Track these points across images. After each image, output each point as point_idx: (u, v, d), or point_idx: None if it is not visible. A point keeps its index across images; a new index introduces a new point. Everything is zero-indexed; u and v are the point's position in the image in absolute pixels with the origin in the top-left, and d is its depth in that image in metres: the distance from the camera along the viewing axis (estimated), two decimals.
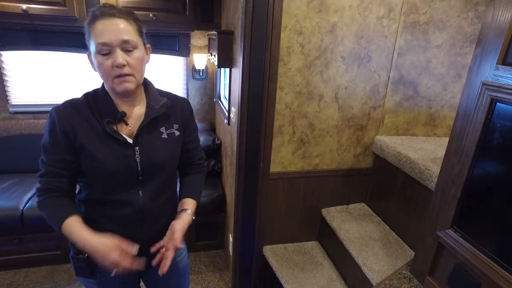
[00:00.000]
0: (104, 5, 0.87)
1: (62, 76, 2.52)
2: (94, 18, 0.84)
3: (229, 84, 1.85)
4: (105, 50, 0.84)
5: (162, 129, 1.00)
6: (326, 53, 1.65)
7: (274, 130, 1.70)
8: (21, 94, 2.49)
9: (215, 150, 2.36)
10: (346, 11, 1.61)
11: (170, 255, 0.95)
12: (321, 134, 1.81)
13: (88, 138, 0.90)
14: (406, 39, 1.74)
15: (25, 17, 2.00)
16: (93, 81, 2.58)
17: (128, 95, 0.93)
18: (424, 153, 1.72)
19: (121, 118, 0.93)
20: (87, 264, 0.98)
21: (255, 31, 1.50)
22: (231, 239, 2.03)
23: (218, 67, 1.88)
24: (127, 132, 0.95)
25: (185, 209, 1.06)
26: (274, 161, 1.78)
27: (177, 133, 1.03)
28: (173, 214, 1.08)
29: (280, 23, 1.52)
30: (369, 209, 2.04)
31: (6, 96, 2.45)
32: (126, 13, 0.87)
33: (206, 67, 2.64)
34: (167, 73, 2.69)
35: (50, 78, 2.51)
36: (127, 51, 0.85)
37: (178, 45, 2.52)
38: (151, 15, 2.15)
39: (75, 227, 0.88)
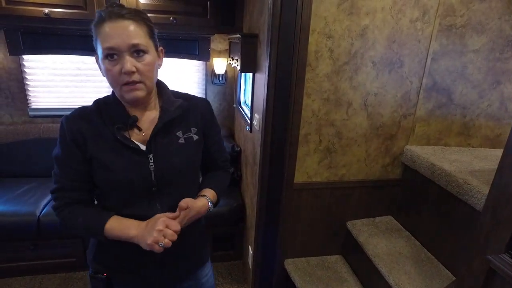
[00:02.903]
0: (112, 5, 0.79)
1: (82, 80, 2.51)
2: (101, 20, 0.77)
3: (252, 90, 1.78)
4: (113, 56, 0.77)
5: (179, 133, 0.92)
6: (356, 58, 1.57)
7: (299, 139, 1.61)
8: (41, 98, 2.49)
9: (234, 158, 2.29)
10: (378, 13, 1.52)
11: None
12: (348, 143, 1.72)
13: (98, 147, 0.84)
14: (441, 43, 1.63)
15: (47, 21, 1.99)
16: None
17: (138, 103, 0.87)
18: (460, 165, 1.61)
19: (133, 123, 0.86)
20: (105, 284, 0.92)
21: (283, 35, 1.43)
22: (251, 251, 1.95)
23: (241, 72, 1.82)
24: (140, 138, 0.88)
25: (204, 195, 0.97)
26: (298, 171, 1.69)
27: (195, 137, 0.94)
28: (197, 228, 1.01)
29: (309, 26, 1.44)
30: (397, 223, 1.92)
31: (27, 100, 2.45)
32: (136, 14, 0.79)
33: (226, 71, 2.58)
34: (185, 77, 2.64)
35: (69, 82, 2.50)
36: (136, 56, 0.79)
37: (198, 49, 2.48)
38: (171, 18, 2.11)
39: (121, 223, 0.85)
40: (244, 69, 1.74)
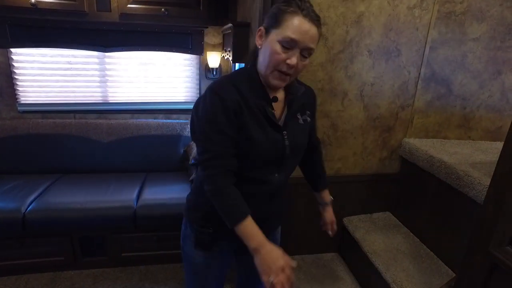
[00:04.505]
0: (309, 6, 0.85)
1: (73, 75, 2.45)
2: (297, 12, 0.83)
3: None
4: (288, 45, 0.84)
5: (298, 115, 1.02)
6: (352, 46, 1.51)
7: None
8: (30, 93, 2.43)
9: None
10: (374, 0, 1.46)
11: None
12: (344, 135, 1.65)
13: (249, 119, 0.90)
14: (439, 31, 1.57)
15: (34, 11, 1.93)
16: (105, 78, 2.50)
17: (274, 88, 0.95)
18: (460, 157, 1.55)
19: (273, 102, 0.95)
20: (211, 237, 1.01)
21: None
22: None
23: (233, 62, 1.76)
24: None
25: (326, 203, 1.24)
26: None
27: (308, 119, 1.05)
28: (287, 194, 1.13)
29: None
30: (395, 218, 1.86)
31: (15, 94, 2.38)
32: (320, 22, 0.87)
33: (220, 66, 2.52)
34: (179, 71, 2.58)
35: (60, 77, 2.44)
36: (302, 56, 0.86)
37: (191, 42, 2.42)
38: (163, 9, 2.05)
39: (253, 230, 0.88)
40: (236, 59, 1.68)
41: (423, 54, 1.60)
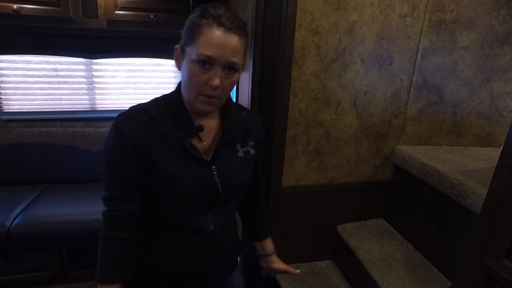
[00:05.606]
0: (225, 13, 0.71)
1: (59, 82, 2.38)
2: (210, 23, 0.70)
3: (236, 90, 1.70)
4: (205, 64, 0.71)
5: (238, 147, 0.87)
6: (344, 54, 1.50)
7: (286, 140, 1.54)
8: (14, 101, 2.35)
9: None
10: (367, 8, 1.46)
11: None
12: (338, 144, 1.65)
13: (162, 153, 0.77)
14: (431, 40, 1.58)
15: (17, 18, 1.86)
16: (92, 86, 2.43)
17: (204, 114, 0.82)
18: (453, 165, 1.56)
19: (198, 132, 0.81)
20: None
21: (267, 30, 1.35)
22: (238, 258, 1.85)
23: None
24: (200, 147, 0.82)
25: (272, 253, 1.10)
26: (286, 174, 1.61)
27: (252, 151, 0.90)
28: (234, 239, 1.01)
29: (294, 22, 1.37)
30: (389, 225, 1.86)
31: None
32: (243, 29, 0.73)
33: None
34: (168, 77, 2.54)
35: (45, 84, 2.36)
36: (227, 72, 0.73)
37: None
38: (151, 16, 2.01)
39: None
40: None
41: (415, 62, 1.60)
